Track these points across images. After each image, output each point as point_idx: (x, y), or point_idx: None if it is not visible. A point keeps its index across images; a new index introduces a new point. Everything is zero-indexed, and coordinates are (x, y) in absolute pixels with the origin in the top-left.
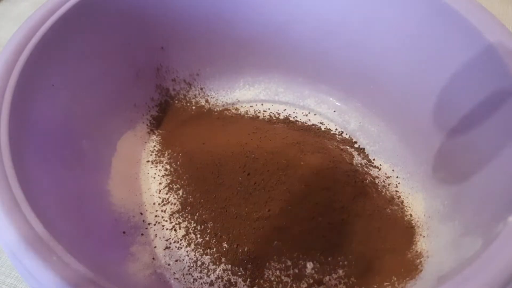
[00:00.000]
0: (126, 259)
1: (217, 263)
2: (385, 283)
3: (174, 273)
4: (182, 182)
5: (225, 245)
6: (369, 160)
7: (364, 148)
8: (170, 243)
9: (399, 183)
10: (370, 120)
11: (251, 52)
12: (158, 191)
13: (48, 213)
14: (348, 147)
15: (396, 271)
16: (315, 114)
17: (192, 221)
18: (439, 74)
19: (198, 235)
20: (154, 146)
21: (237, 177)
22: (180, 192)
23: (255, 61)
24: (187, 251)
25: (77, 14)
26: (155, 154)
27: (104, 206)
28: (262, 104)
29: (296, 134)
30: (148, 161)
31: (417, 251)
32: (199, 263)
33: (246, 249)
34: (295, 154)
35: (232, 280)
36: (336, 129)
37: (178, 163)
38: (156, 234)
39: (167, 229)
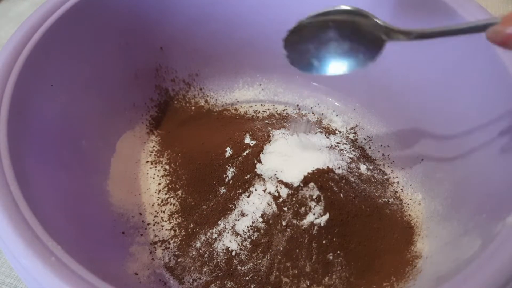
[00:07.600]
0: (125, 259)
1: None
2: (384, 283)
3: (174, 273)
4: (182, 182)
5: None
6: (368, 161)
7: (363, 148)
8: (170, 243)
9: (398, 184)
10: (369, 120)
11: (250, 52)
12: (157, 192)
13: (47, 213)
14: (347, 148)
15: (395, 271)
16: (314, 114)
17: (192, 222)
18: (438, 76)
19: (198, 236)
20: (154, 146)
21: (237, 177)
22: (180, 192)
23: (254, 61)
24: (186, 251)
25: (76, 15)
26: (155, 155)
27: (103, 206)
28: (261, 105)
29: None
30: (147, 162)
31: (416, 251)
32: (198, 263)
33: None
34: None
35: None
36: (335, 129)
37: (178, 163)
38: (155, 234)
39: (166, 229)
